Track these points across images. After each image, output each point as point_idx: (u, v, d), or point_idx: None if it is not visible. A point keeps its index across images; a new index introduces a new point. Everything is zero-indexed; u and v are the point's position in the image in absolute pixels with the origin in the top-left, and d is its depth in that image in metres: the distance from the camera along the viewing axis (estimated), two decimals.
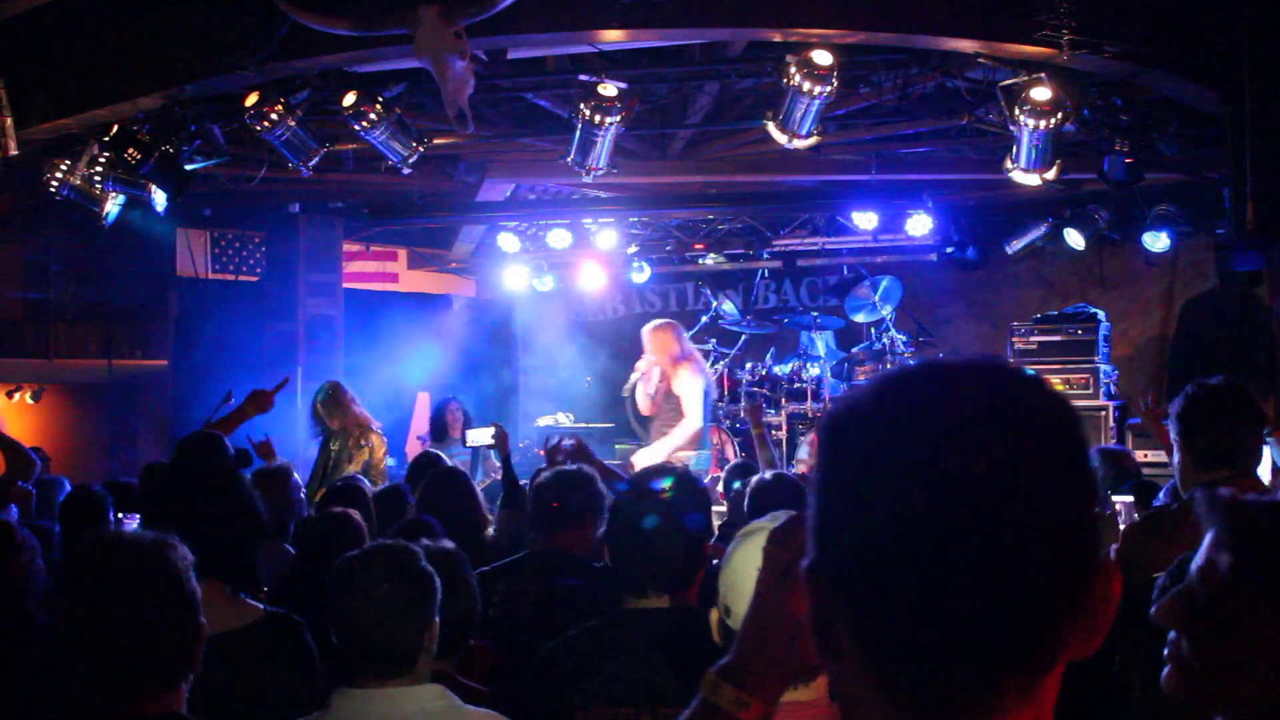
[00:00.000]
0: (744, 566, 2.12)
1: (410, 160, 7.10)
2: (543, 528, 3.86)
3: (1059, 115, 6.15)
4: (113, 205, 7.78)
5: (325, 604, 2.51)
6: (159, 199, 7.51)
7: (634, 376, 8.51)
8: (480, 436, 6.72)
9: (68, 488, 6.04)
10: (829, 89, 6.07)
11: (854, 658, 0.91)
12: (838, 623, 0.92)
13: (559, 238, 10.99)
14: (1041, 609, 0.87)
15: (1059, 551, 0.87)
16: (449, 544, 3.04)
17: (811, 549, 0.94)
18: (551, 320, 12.84)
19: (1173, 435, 3.33)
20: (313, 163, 7.14)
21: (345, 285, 10.62)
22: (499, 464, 6.98)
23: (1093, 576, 0.90)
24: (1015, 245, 10.09)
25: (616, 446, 11.12)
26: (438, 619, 2.52)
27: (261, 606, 2.91)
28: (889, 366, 9.74)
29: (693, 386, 8.20)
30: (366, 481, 5.69)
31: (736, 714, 1.27)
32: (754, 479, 4.42)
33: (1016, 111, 6.20)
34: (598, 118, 6.52)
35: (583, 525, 3.79)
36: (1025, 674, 0.89)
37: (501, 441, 6.26)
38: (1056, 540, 0.87)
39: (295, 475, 5.22)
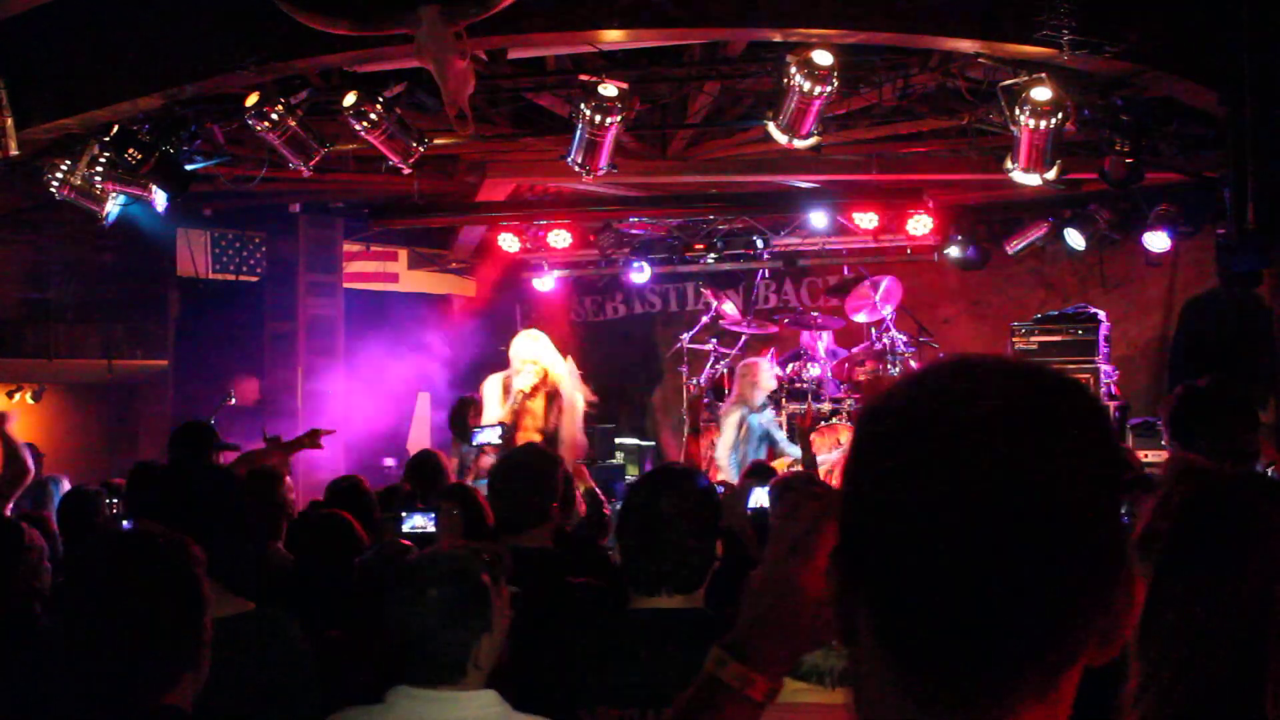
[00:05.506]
0: None
1: (410, 160, 7.10)
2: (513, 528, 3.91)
3: (1059, 115, 6.15)
4: (113, 205, 7.79)
5: (319, 601, 2.50)
6: (159, 199, 7.51)
7: (511, 398, 7.07)
8: (488, 435, 6.73)
9: (66, 486, 6.04)
10: (829, 89, 6.07)
11: (871, 646, 0.92)
12: (857, 610, 0.92)
13: (559, 238, 11.00)
14: (1062, 607, 0.87)
15: (1082, 550, 0.87)
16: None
17: (838, 535, 0.95)
18: (551, 320, 12.82)
19: (1167, 438, 3.32)
20: (313, 163, 7.13)
21: (345, 285, 10.61)
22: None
23: (1117, 580, 0.90)
24: (1015, 245, 10.09)
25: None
26: (494, 633, 2.44)
27: (253, 603, 2.91)
28: (889, 367, 9.74)
29: (578, 398, 7.31)
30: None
31: (742, 690, 1.24)
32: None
33: (1016, 111, 6.20)
34: (598, 118, 6.52)
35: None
36: (1043, 672, 0.88)
37: (510, 439, 6.27)
38: (1079, 539, 0.87)
39: (288, 478, 5.23)
